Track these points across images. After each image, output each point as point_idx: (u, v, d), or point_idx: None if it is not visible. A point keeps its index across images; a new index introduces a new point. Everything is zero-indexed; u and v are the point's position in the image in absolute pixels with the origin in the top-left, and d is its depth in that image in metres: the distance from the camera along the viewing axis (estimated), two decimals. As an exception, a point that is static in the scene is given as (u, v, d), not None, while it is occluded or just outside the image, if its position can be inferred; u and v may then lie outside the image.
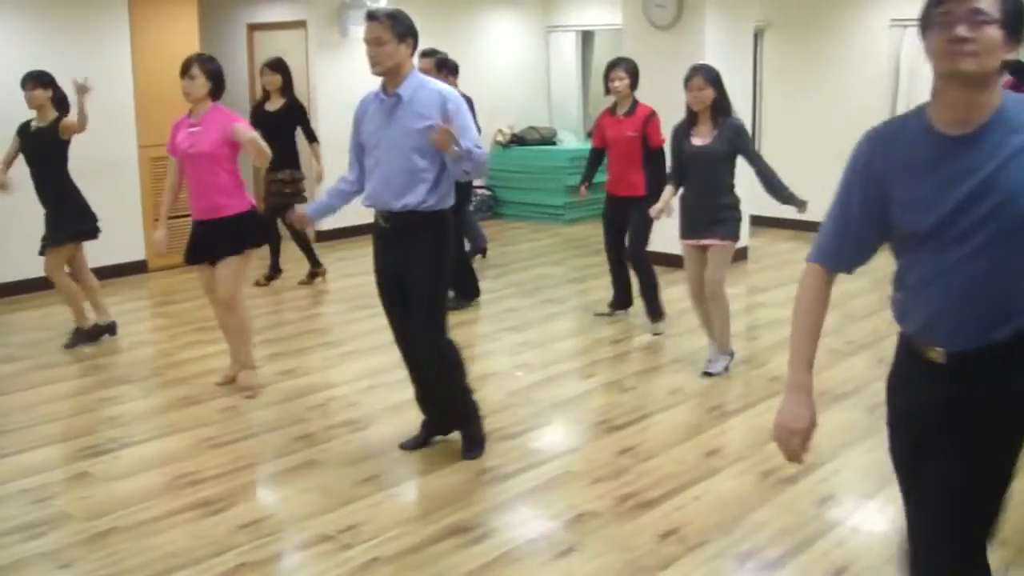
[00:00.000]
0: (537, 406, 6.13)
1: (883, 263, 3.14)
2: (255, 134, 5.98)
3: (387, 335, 7.54)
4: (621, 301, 8.15)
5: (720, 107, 6.37)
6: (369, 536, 4.43)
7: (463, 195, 7.90)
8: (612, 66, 7.62)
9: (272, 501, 4.93)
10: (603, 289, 9.15)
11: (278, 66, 9.08)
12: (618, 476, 5.07)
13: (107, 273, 9.33)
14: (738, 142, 6.40)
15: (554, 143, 13.58)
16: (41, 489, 4.96)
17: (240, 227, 6.13)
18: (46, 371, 6.86)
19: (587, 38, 14.26)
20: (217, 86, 6.07)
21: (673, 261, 8.04)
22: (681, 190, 6.64)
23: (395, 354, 7.09)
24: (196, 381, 6.62)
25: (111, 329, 7.57)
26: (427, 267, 4.97)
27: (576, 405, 6.21)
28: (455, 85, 7.58)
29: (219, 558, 4.24)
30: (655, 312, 7.72)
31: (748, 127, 8.94)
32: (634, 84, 7.57)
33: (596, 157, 7.99)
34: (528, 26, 14.06)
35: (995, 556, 4.24)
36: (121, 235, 9.55)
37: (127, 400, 6.30)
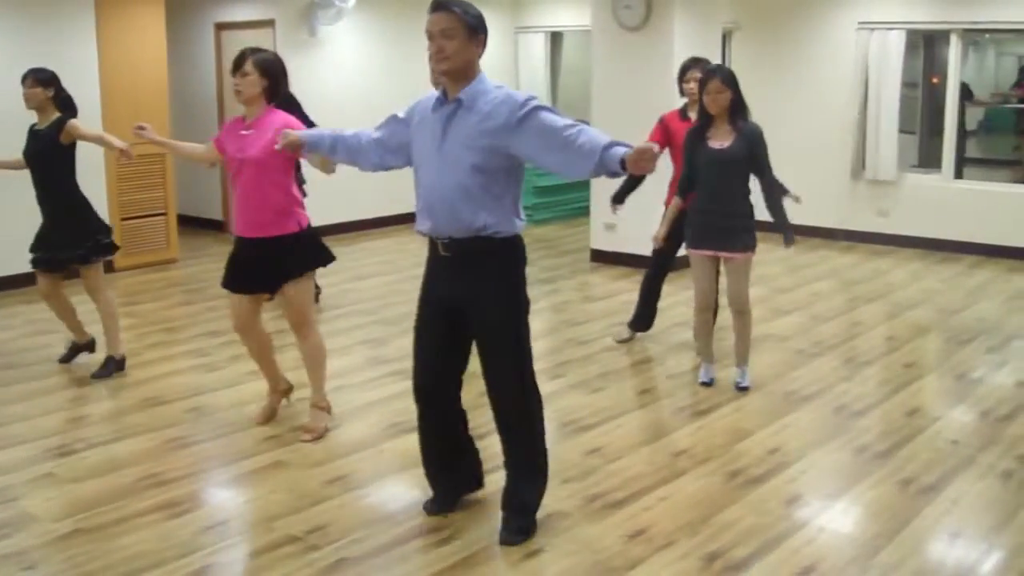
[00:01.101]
0: (505, 407, 6.11)
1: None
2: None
3: (354, 336, 7.57)
4: (643, 322, 7.51)
5: (738, 109, 6.05)
6: (336, 537, 4.41)
7: None
8: (688, 67, 7.00)
9: (239, 502, 4.90)
10: (572, 290, 9.18)
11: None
12: (586, 476, 5.07)
13: (73, 273, 9.27)
14: (756, 149, 6.08)
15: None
16: (5, 490, 4.91)
17: (300, 246, 5.43)
18: (10, 371, 6.79)
19: (556, 39, 14.28)
20: (274, 84, 5.34)
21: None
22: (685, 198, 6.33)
23: (363, 355, 7.12)
24: (162, 382, 6.57)
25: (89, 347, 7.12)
26: (502, 302, 4.27)
27: (545, 406, 6.17)
28: None
29: (185, 559, 4.21)
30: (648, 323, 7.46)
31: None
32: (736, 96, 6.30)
33: None
34: (497, 27, 13.96)
35: (959, 555, 4.28)
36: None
37: (93, 400, 6.25)
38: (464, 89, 4.09)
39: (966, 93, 12.85)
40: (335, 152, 4.62)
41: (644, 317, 7.46)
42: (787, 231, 6.24)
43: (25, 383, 6.56)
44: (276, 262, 5.37)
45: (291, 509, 4.68)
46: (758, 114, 6.31)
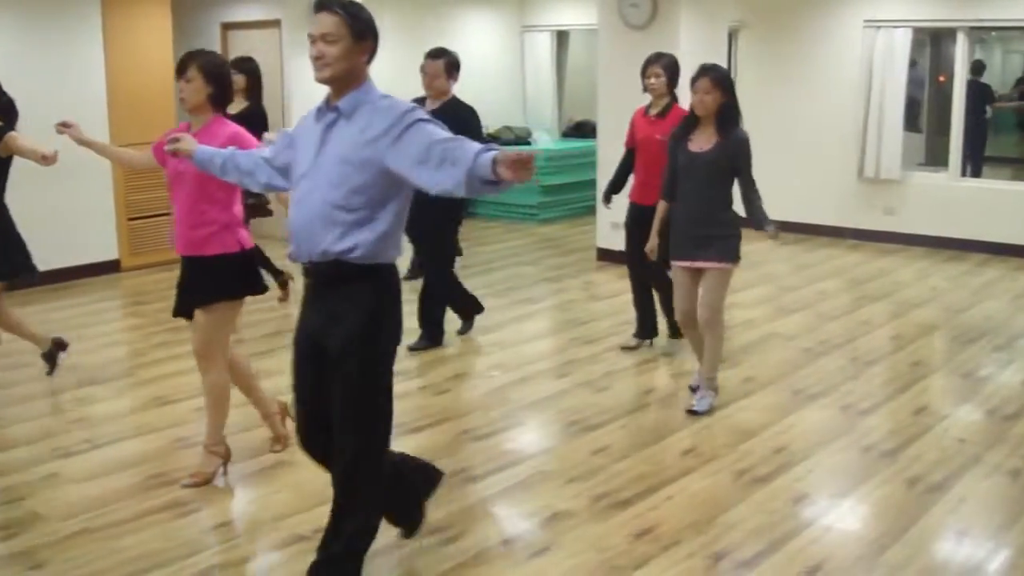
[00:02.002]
0: (511, 406, 6.12)
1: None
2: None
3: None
4: (646, 328, 7.32)
5: (727, 114, 5.73)
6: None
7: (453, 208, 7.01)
8: (649, 62, 6.86)
9: (245, 502, 4.90)
10: (578, 289, 9.18)
11: (242, 64, 8.14)
12: (592, 476, 5.07)
13: (79, 273, 9.31)
14: (738, 158, 5.76)
15: (529, 143, 13.56)
16: (11, 490, 4.92)
17: (222, 272, 4.87)
18: (15, 371, 6.79)
19: (562, 38, 14.28)
20: (220, 91, 4.82)
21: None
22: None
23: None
24: (168, 381, 6.58)
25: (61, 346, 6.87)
26: (359, 340, 3.69)
27: (550, 405, 6.20)
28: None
29: (191, 559, 4.21)
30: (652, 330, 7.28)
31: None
32: (672, 82, 6.84)
33: (627, 160, 7.15)
34: (503, 26, 14.05)
35: (966, 554, 4.28)
36: (93, 235, 9.51)
37: (98, 400, 6.26)
38: (345, 97, 3.70)
39: (988, 93, 12.84)
40: (225, 172, 4.20)
41: (646, 324, 7.32)
42: (766, 222, 5.87)
43: (31, 383, 6.57)
44: (200, 283, 4.89)
45: (297, 508, 4.69)
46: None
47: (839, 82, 11.26)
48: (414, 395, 6.35)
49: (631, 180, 7.19)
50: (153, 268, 9.95)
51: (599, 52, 10.25)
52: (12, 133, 6.02)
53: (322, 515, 4.55)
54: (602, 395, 6.33)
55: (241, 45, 11.65)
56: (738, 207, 5.96)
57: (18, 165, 6.29)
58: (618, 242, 9.99)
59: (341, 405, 3.74)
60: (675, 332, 7.14)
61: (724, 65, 10.34)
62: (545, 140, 13.66)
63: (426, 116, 3.60)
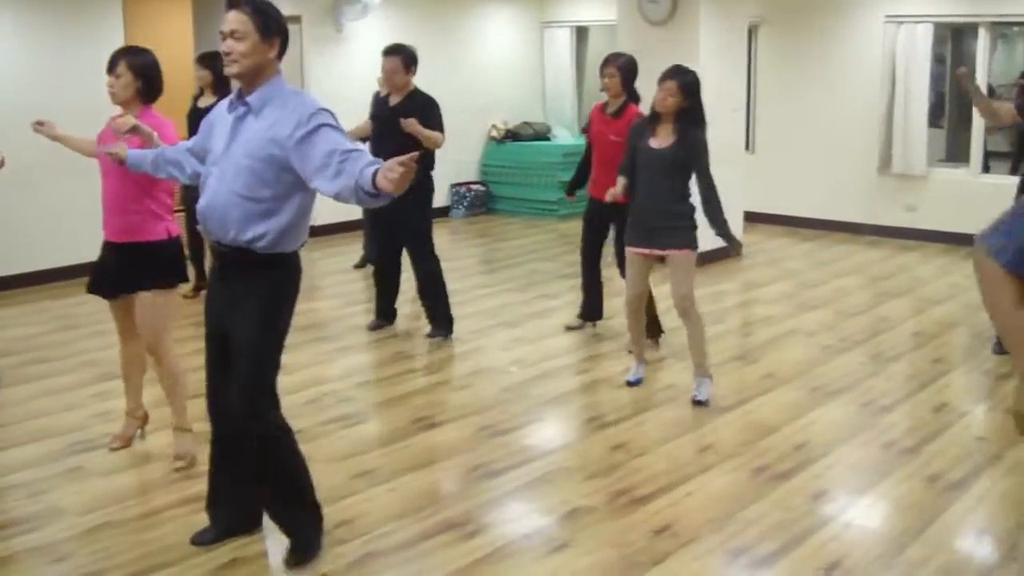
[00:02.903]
0: (531, 402, 6.13)
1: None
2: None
3: (381, 331, 7.59)
4: (592, 311, 7.68)
5: (687, 115, 5.87)
6: (363, 531, 4.43)
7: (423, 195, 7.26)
8: (607, 61, 7.05)
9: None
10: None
11: (207, 60, 8.15)
12: (611, 472, 5.07)
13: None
14: (695, 155, 5.88)
15: (548, 138, 13.57)
16: (35, 484, 4.96)
17: (162, 257, 5.04)
18: (39, 366, 6.84)
19: (582, 34, 14.26)
20: (148, 86, 4.95)
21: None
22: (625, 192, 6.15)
23: (388, 350, 7.14)
24: (188, 376, 6.59)
25: None
26: (252, 321, 3.92)
27: (569, 401, 6.21)
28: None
29: (212, 553, 4.24)
30: (653, 328, 7.28)
31: (741, 124, 8.89)
32: (627, 82, 7.01)
33: (589, 153, 7.42)
34: (523, 22, 14.05)
35: (985, 552, 4.27)
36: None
37: (118, 395, 6.26)
38: (254, 92, 3.83)
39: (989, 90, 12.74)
40: (158, 169, 4.36)
41: (591, 307, 7.65)
42: (729, 238, 5.96)
43: (54, 377, 6.61)
44: (136, 268, 4.99)
45: (317, 503, 4.70)
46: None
47: (859, 78, 11.21)
48: (434, 390, 6.37)
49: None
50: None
51: (618, 48, 10.22)
52: None
53: (340, 510, 4.59)
54: (621, 391, 6.33)
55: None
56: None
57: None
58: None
59: (235, 375, 3.98)
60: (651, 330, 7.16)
61: (744, 61, 10.36)
62: (564, 136, 13.66)
63: (331, 120, 3.75)
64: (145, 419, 5.58)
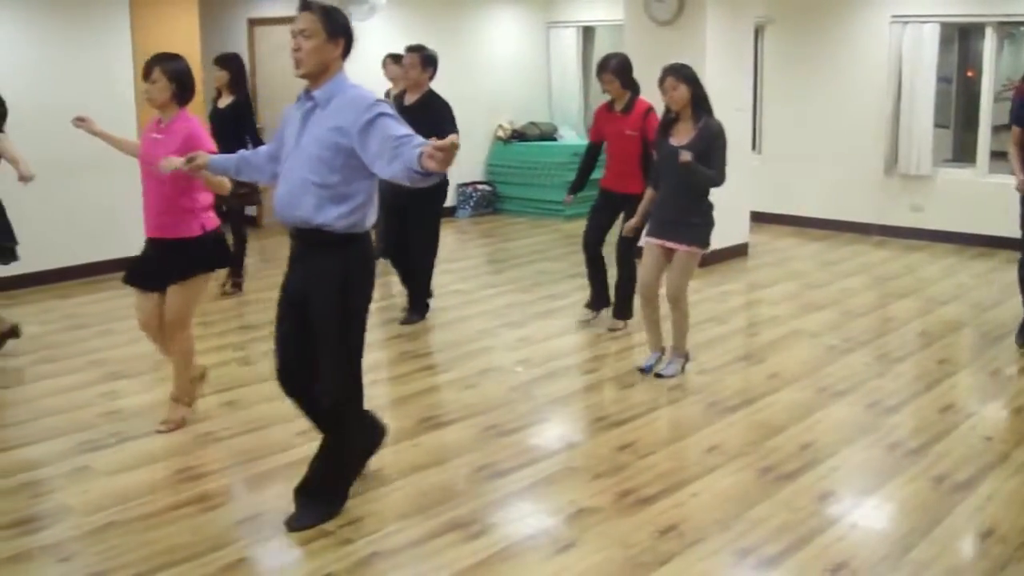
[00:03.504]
0: (537, 402, 6.14)
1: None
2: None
3: (389, 330, 7.60)
4: (600, 300, 7.91)
5: (699, 104, 6.19)
6: (369, 531, 4.43)
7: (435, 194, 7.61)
8: (601, 69, 7.41)
9: (270, 496, 4.92)
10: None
11: (224, 61, 8.58)
12: (617, 472, 5.07)
13: (105, 268, 9.34)
14: (711, 145, 6.14)
15: (554, 139, 13.57)
16: (41, 483, 4.97)
17: (193, 250, 5.44)
18: (46, 365, 6.86)
19: (588, 34, 14.27)
20: (182, 89, 5.41)
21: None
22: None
23: (396, 349, 7.15)
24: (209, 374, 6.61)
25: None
26: (333, 299, 4.27)
27: (576, 401, 6.21)
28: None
29: (218, 552, 4.24)
30: (624, 310, 7.66)
31: (747, 125, 8.87)
32: (625, 83, 7.36)
33: (593, 152, 7.77)
34: (529, 22, 14.05)
35: (992, 553, 4.26)
36: (122, 230, 9.54)
37: (127, 394, 6.30)
38: (320, 88, 4.23)
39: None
40: (240, 173, 4.82)
41: (600, 297, 7.92)
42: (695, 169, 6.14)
43: (61, 377, 6.62)
44: (169, 263, 5.43)
45: (324, 503, 4.71)
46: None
47: (866, 78, 11.21)
48: (440, 390, 6.37)
49: (601, 169, 7.76)
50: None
51: (625, 48, 10.21)
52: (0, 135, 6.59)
53: (349, 509, 4.60)
54: (627, 391, 6.33)
55: (268, 40, 11.71)
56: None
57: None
58: (642, 239, 10.00)
59: (323, 353, 4.35)
60: (623, 313, 7.69)
61: (750, 61, 10.36)
62: (571, 136, 13.67)
63: (388, 110, 4.11)
64: (204, 375, 6.00)
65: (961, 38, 12.30)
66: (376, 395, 6.13)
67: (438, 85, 7.67)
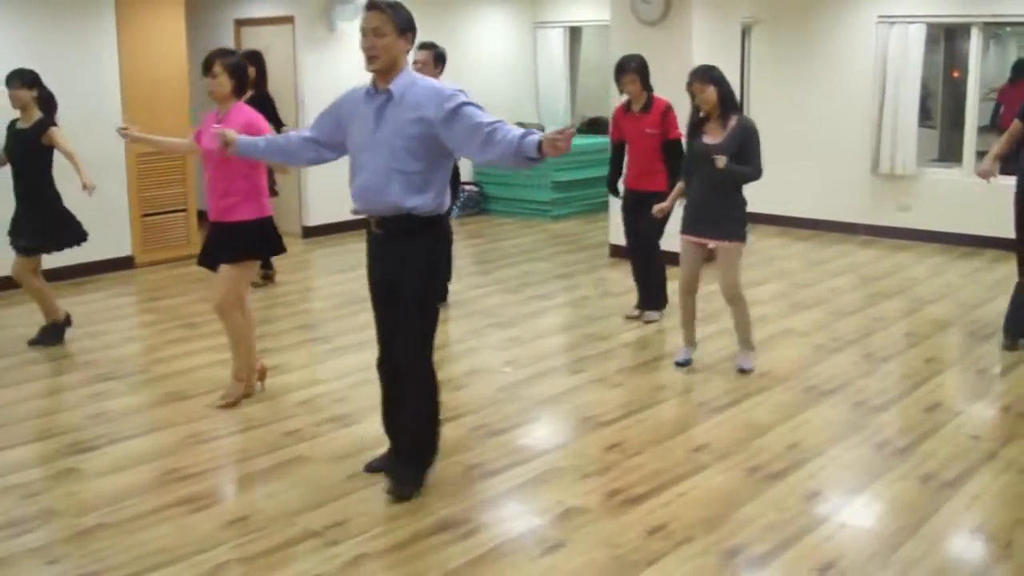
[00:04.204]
0: (524, 402, 6.14)
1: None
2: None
3: (372, 334, 7.57)
4: (659, 302, 8.02)
5: (727, 103, 6.33)
6: (357, 532, 4.43)
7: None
8: (620, 71, 7.62)
9: (259, 497, 4.92)
10: (591, 285, 9.19)
11: (252, 58, 8.47)
12: (605, 472, 5.08)
13: (93, 269, 9.35)
14: (747, 142, 6.29)
15: (541, 139, 13.55)
16: (28, 485, 4.95)
17: (245, 235, 5.84)
18: (32, 367, 6.83)
19: (575, 34, 14.27)
20: (240, 83, 5.84)
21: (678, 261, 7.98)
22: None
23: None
24: (183, 377, 6.61)
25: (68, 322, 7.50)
26: (418, 275, 4.57)
27: (563, 401, 6.21)
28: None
29: (206, 554, 4.24)
30: (657, 300, 7.88)
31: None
32: (644, 83, 7.57)
33: (619, 150, 7.92)
34: (516, 22, 14.05)
35: (979, 551, 4.28)
36: (107, 231, 9.52)
37: (114, 396, 6.29)
38: (393, 82, 4.46)
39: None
40: (269, 154, 5.04)
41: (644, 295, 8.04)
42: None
43: (47, 378, 6.61)
44: (228, 244, 5.85)
45: (311, 504, 4.71)
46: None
47: (853, 78, 11.23)
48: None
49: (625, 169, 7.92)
50: (167, 264, 9.99)
51: (612, 48, 10.23)
52: (54, 129, 6.93)
53: (336, 511, 4.60)
54: (615, 391, 6.34)
55: (254, 41, 11.68)
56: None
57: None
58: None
59: (406, 320, 4.64)
60: (654, 303, 7.92)
61: (737, 61, 10.37)
62: (558, 136, 13.63)
63: (469, 98, 4.39)
64: (263, 373, 6.32)
65: (947, 38, 12.35)
66: (363, 396, 6.13)
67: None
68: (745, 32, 11.65)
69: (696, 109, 6.43)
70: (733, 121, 6.33)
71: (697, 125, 6.46)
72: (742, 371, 6.58)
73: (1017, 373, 6.62)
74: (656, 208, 6.91)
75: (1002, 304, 7.31)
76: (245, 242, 5.87)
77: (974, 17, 10.48)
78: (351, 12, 11.27)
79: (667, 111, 7.51)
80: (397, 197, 4.46)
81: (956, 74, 12.24)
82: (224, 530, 4.47)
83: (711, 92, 6.27)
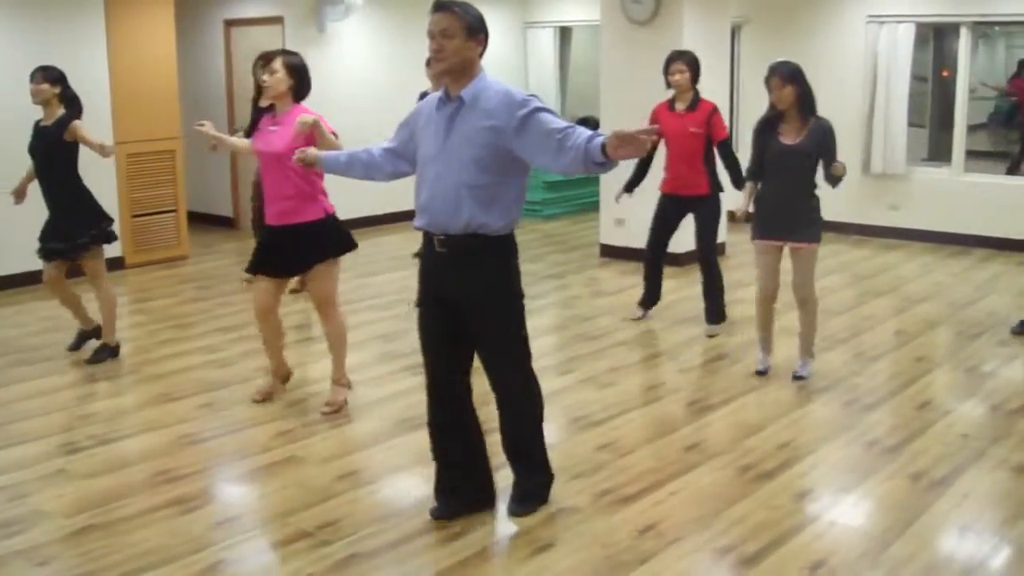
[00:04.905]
0: (516, 402, 6.12)
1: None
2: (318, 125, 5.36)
3: (367, 331, 7.58)
4: (652, 299, 7.92)
5: (805, 104, 6.12)
6: (348, 532, 4.42)
7: None
8: (672, 59, 7.33)
9: (250, 498, 4.92)
10: (581, 285, 9.19)
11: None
12: (596, 472, 5.08)
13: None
14: (826, 143, 6.12)
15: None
16: (17, 487, 4.93)
17: (323, 234, 5.73)
18: (21, 368, 6.82)
19: (565, 34, 14.27)
20: (300, 84, 5.63)
21: (671, 260, 7.97)
22: (759, 187, 6.43)
23: (375, 350, 7.13)
24: (173, 378, 6.59)
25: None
26: (497, 297, 4.30)
27: (554, 401, 6.19)
28: None
29: (197, 555, 4.23)
30: (718, 313, 7.58)
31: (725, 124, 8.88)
32: (695, 78, 7.34)
33: (650, 151, 7.58)
34: (506, 22, 14.04)
35: (969, 550, 4.28)
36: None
37: (104, 397, 6.28)
38: (466, 87, 4.15)
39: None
40: (351, 169, 4.69)
41: (652, 296, 7.92)
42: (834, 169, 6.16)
43: (37, 379, 6.59)
44: (302, 248, 5.68)
45: (303, 505, 4.70)
46: (766, 107, 6.28)
47: (842, 78, 11.23)
48: (418, 391, 6.29)
49: (661, 173, 7.58)
50: (157, 265, 9.97)
51: (602, 48, 10.25)
52: (77, 122, 6.66)
53: (327, 511, 4.59)
54: (606, 391, 6.34)
55: (244, 42, 11.67)
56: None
57: (28, 162, 6.35)
58: (621, 238, 10.03)
59: (494, 357, 4.44)
60: (716, 317, 7.60)
61: (727, 61, 10.38)
62: (548, 136, 13.64)
63: (541, 104, 4.09)
64: (288, 376, 6.29)
65: (936, 38, 12.38)
66: (355, 396, 6.12)
67: (416, 86, 7.68)
68: (735, 31, 11.66)
69: (771, 106, 6.21)
70: (811, 122, 6.13)
71: (772, 123, 6.24)
72: (798, 378, 6.41)
73: (1006, 372, 6.64)
74: (738, 211, 6.54)
75: (992, 302, 7.33)
76: (325, 241, 5.73)
77: (963, 17, 10.51)
78: (341, 12, 11.26)
79: (715, 112, 7.31)
80: (468, 214, 4.14)
81: (945, 73, 12.26)
82: (214, 531, 4.46)
83: (789, 91, 6.06)
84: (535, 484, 4.66)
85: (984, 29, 11.72)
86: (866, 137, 11.18)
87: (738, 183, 7.03)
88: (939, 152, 11.88)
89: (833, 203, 11.40)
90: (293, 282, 8.31)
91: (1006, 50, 15.47)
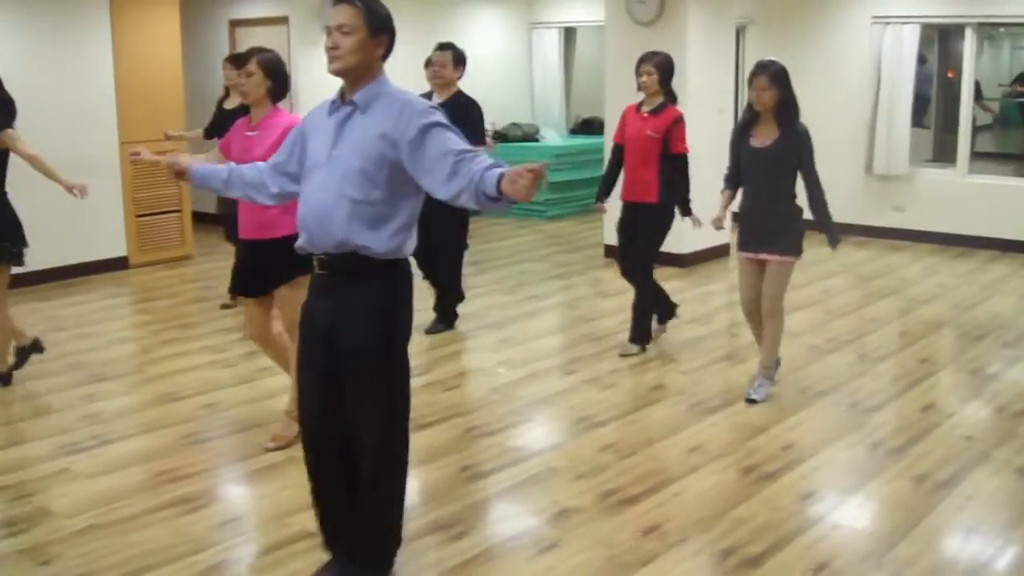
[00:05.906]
0: (518, 403, 6.13)
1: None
2: None
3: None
4: (663, 312, 7.33)
5: (785, 108, 5.87)
6: (350, 533, 4.41)
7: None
8: (643, 60, 6.86)
9: (252, 498, 4.92)
10: (585, 286, 9.18)
11: (238, 61, 7.49)
12: (600, 472, 5.07)
13: (88, 269, 9.33)
14: (800, 149, 5.88)
15: (537, 140, 13.56)
16: (20, 486, 4.94)
17: (292, 251, 4.85)
18: (25, 368, 6.80)
19: (570, 34, 14.28)
20: (278, 85, 5.15)
21: (674, 261, 7.95)
22: (739, 198, 6.22)
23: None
24: (176, 378, 6.59)
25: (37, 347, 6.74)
26: (370, 330, 3.66)
27: (558, 402, 6.21)
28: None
29: (199, 555, 4.22)
30: (641, 335, 7.07)
31: (728, 125, 8.88)
32: (664, 80, 6.81)
33: (617, 156, 7.05)
34: (511, 22, 14.05)
35: (973, 551, 4.27)
36: (102, 232, 9.52)
37: (107, 397, 6.27)
38: (360, 91, 3.63)
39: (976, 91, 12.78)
40: (230, 187, 4.02)
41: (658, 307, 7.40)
42: (831, 232, 6.06)
43: (40, 379, 6.58)
44: (275, 263, 5.08)
45: (304, 505, 4.66)
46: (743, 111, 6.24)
47: (847, 79, 11.23)
48: (422, 391, 6.35)
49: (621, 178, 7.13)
50: (161, 265, 9.97)
51: (606, 49, 10.25)
52: (8, 131, 6.07)
53: (330, 511, 4.56)
54: (609, 392, 6.33)
55: (249, 42, 11.66)
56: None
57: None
58: (626, 239, 10.00)
59: (361, 402, 3.71)
60: (638, 337, 7.09)
61: (732, 62, 10.37)
62: (553, 137, 13.67)
63: (443, 120, 3.55)
64: None
65: (941, 39, 12.36)
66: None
67: (420, 87, 7.64)
68: (739, 32, 11.65)
69: (749, 106, 5.99)
70: (786, 125, 5.88)
71: (747, 125, 6.02)
72: (751, 401, 6.04)
73: (1011, 374, 6.62)
74: (712, 219, 6.38)
75: (997, 304, 7.32)
76: (299, 258, 4.83)
77: (968, 18, 10.49)
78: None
79: (677, 122, 6.78)
80: (344, 231, 3.58)
81: (950, 75, 12.24)
82: (217, 531, 4.46)
83: (772, 94, 5.81)
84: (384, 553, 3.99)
85: (989, 30, 11.69)
86: (870, 138, 11.16)
87: (683, 205, 6.82)
88: (943, 153, 11.86)
89: (837, 204, 11.43)
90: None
91: (1011, 51, 15.45)
